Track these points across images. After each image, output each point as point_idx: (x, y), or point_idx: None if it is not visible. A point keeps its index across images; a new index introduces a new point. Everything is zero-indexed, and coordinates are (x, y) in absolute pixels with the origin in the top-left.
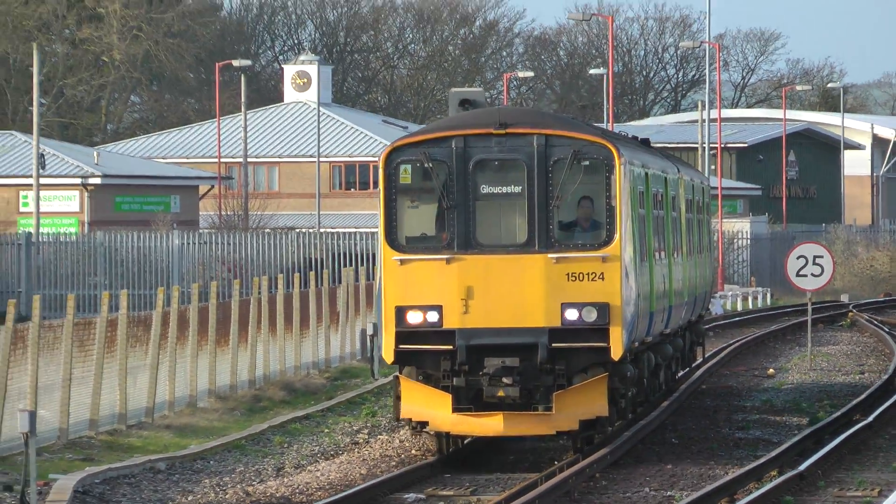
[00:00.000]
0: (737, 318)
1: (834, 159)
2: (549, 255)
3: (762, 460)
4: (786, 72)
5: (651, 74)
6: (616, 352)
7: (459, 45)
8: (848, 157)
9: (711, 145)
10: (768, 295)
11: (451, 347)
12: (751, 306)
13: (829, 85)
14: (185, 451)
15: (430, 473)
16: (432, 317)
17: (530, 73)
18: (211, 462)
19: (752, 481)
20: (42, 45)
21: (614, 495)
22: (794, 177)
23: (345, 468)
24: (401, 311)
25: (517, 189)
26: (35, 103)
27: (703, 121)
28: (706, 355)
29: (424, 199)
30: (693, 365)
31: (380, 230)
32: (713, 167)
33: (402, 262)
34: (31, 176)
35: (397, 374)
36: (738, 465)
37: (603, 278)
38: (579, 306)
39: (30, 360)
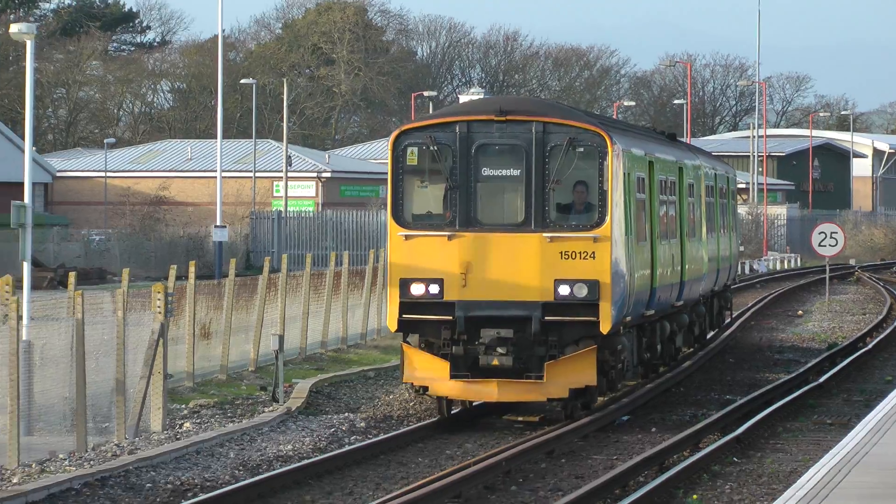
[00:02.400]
0: (776, 275)
1: (845, 165)
2: (544, 235)
3: (793, 374)
4: (813, 103)
5: (717, 104)
6: (605, 326)
7: (584, 83)
8: (855, 163)
9: (759, 154)
10: (798, 259)
11: (450, 318)
12: (786, 267)
13: (843, 112)
14: (387, 364)
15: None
16: (434, 289)
17: (632, 103)
18: None
19: (787, 388)
20: (291, 80)
21: (690, 398)
22: (817, 177)
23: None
24: (405, 283)
25: (516, 172)
26: (285, 120)
27: (754, 137)
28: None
29: (430, 179)
30: (723, 325)
31: (388, 208)
32: (760, 170)
33: (407, 237)
34: (281, 171)
35: (402, 341)
36: (776, 378)
37: (594, 257)
38: (571, 283)
39: (280, 300)
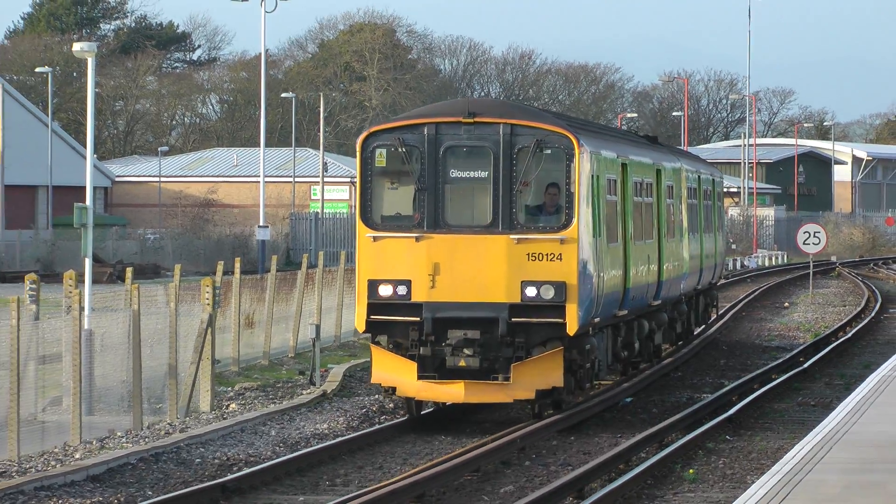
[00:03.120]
0: (765, 271)
1: (827, 171)
2: (511, 236)
3: (780, 360)
4: (797, 114)
5: (711, 116)
6: (571, 327)
7: (591, 97)
8: (836, 169)
9: (749, 161)
10: (785, 256)
11: (418, 319)
12: (774, 263)
13: (825, 123)
14: None
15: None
16: (401, 290)
17: (635, 114)
18: None
19: (774, 373)
20: (326, 94)
21: (687, 381)
22: (801, 181)
23: None
24: (373, 285)
25: (484, 174)
26: (321, 130)
27: (744, 145)
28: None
29: (398, 181)
30: (709, 321)
31: (356, 209)
32: (750, 175)
33: (375, 238)
34: (318, 176)
35: (371, 342)
36: (765, 363)
37: (561, 259)
38: (538, 284)
39: (316, 292)
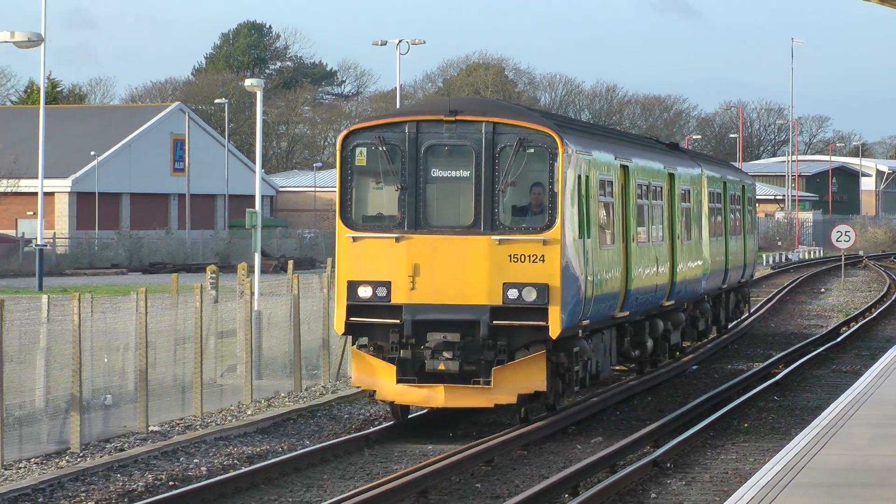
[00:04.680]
0: (805, 263)
1: (855, 182)
2: (493, 237)
3: (816, 336)
4: (831, 136)
5: (761, 137)
6: (554, 330)
7: (663, 123)
8: (863, 181)
9: (792, 174)
10: (821, 251)
11: (398, 321)
12: (812, 257)
13: (853, 143)
14: None
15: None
16: (381, 292)
17: (699, 137)
18: None
19: (812, 346)
20: None
21: (741, 353)
22: (835, 190)
23: None
24: (352, 286)
25: (465, 173)
26: None
27: (788, 161)
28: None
29: (378, 180)
30: (741, 317)
31: (336, 209)
32: (793, 185)
33: (355, 239)
34: None
35: (353, 345)
36: (804, 339)
37: (543, 260)
38: (520, 286)
39: None
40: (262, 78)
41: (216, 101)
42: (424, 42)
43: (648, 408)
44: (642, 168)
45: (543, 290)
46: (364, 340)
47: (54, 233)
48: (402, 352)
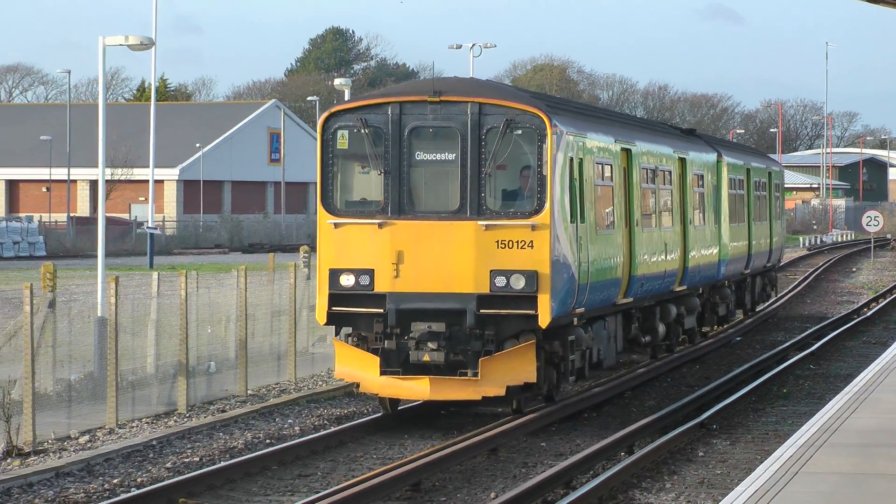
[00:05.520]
0: (838, 245)
1: (884, 172)
2: (480, 223)
3: (849, 311)
4: (861, 130)
5: (798, 132)
6: (544, 319)
7: (710, 118)
8: (891, 171)
9: (826, 165)
10: (852, 234)
11: (381, 311)
12: (844, 239)
13: (882, 137)
14: None
15: None
16: (364, 280)
17: (742, 131)
18: None
19: (844, 319)
20: None
21: (780, 325)
22: (865, 179)
23: None
24: (334, 274)
25: (451, 156)
26: None
27: (823, 153)
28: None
29: (361, 164)
30: (767, 301)
31: (317, 194)
32: (827, 175)
33: (337, 225)
34: None
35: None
36: (838, 312)
37: (532, 246)
38: (508, 273)
39: None
40: (349, 77)
41: (308, 98)
42: (495, 46)
43: (696, 375)
44: (648, 152)
45: (532, 277)
46: (348, 330)
47: (163, 216)
48: (386, 342)
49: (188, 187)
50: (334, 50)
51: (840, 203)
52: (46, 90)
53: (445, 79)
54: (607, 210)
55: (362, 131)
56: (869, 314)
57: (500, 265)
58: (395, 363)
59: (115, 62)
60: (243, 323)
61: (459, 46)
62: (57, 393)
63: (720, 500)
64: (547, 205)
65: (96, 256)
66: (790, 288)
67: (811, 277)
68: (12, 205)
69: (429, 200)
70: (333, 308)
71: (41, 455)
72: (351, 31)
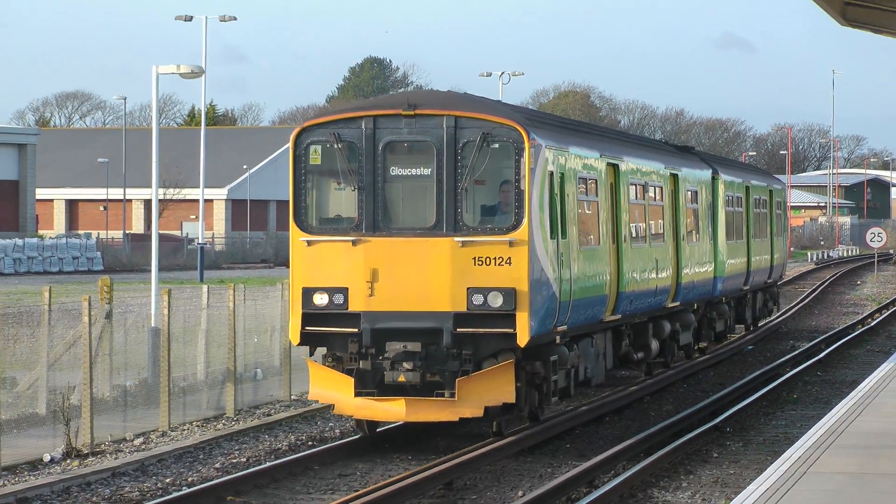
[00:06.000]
0: (843, 260)
1: (887, 191)
2: (456, 239)
3: (854, 321)
4: (866, 152)
5: (807, 153)
6: (523, 337)
7: (724, 141)
8: (893, 190)
9: (833, 185)
10: (857, 249)
11: (356, 330)
12: (849, 254)
13: (885, 158)
14: None
15: None
16: (338, 299)
17: (754, 153)
18: None
19: (849, 329)
20: None
21: (790, 335)
22: (869, 198)
23: None
24: (307, 293)
25: (426, 171)
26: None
27: (830, 173)
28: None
29: (334, 180)
30: (770, 316)
31: (290, 211)
32: (833, 194)
33: (310, 243)
34: None
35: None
36: (844, 322)
37: (510, 263)
38: (485, 291)
39: None
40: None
41: None
42: (523, 74)
43: (711, 381)
44: (636, 167)
45: (510, 294)
46: (323, 351)
47: (213, 233)
48: (360, 363)
49: (236, 206)
50: (372, 78)
51: (846, 220)
52: (104, 115)
53: (420, 92)
54: (592, 226)
55: (335, 146)
56: (873, 324)
57: (477, 282)
58: (370, 384)
59: (167, 89)
60: (287, 333)
61: (489, 74)
62: (113, 398)
63: (733, 498)
64: (525, 220)
65: (150, 271)
66: (799, 299)
67: (818, 290)
68: (72, 223)
69: (404, 217)
70: (307, 328)
71: (98, 456)
72: (388, 61)
